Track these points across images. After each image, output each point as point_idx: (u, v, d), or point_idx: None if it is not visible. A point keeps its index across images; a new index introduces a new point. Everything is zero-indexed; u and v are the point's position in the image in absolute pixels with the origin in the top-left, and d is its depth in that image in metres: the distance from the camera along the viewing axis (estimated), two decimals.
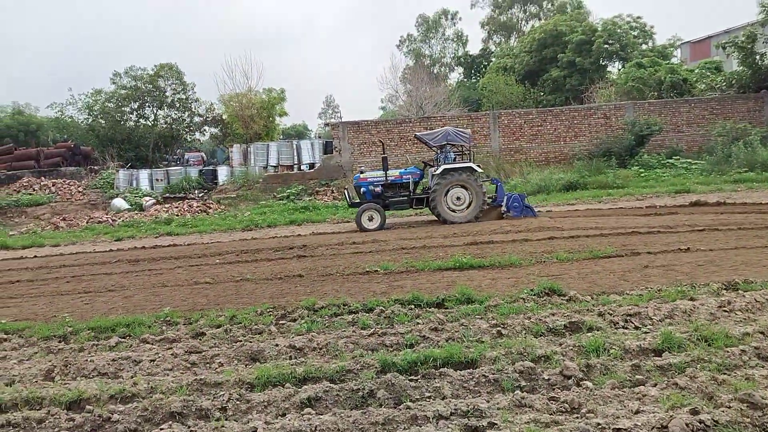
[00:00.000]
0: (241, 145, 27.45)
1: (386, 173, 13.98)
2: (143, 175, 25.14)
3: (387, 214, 14.26)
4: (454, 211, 13.37)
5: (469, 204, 13.37)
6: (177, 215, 20.14)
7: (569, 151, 23.53)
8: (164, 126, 33.09)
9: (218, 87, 65.27)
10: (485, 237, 10.66)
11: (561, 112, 24.04)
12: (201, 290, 7.89)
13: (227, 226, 16.71)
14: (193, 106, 33.58)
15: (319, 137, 40.75)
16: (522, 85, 37.21)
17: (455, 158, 14.28)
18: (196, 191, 24.40)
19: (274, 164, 26.06)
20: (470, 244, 10.00)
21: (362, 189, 14.05)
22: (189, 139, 35.37)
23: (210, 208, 21.36)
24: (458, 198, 13.34)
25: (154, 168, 27.15)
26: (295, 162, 26.23)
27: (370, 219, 13.44)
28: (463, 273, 7.70)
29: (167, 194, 23.94)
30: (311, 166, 25.35)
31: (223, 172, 25.82)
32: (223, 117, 33.61)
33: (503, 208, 13.55)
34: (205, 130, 35.93)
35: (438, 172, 13.45)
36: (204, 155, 33.13)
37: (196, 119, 34.13)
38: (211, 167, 27.49)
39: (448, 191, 13.36)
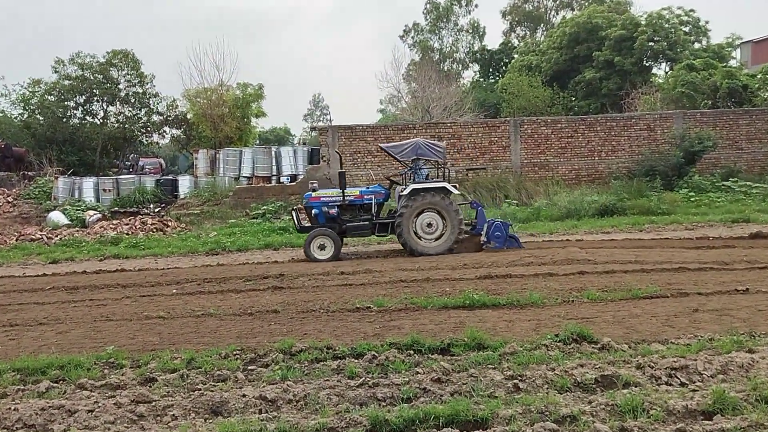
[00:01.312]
0: (208, 151, 27.60)
1: (344, 192, 14.08)
2: (88, 184, 25.17)
3: (345, 242, 14.45)
4: (424, 239, 13.49)
5: (443, 232, 13.50)
6: (127, 234, 20.13)
7: (605, 169, 23.75)
8: (116, 125, 33.28)
9: (183, 80, 65.75)
10: (501, 269, 10.69)
11: (596, 122, 24.31)
12: (153, 326, 7.86)
13: (188, 249, 16.71)
14: (151, 103, 33.86)
15: (304, 144, 41.03)
16: (549, 88, 37.66)
17: (428, 176, 14.44)
18: (152, 205, 24.45)
19: (248, 175, 26.18)
20: (483, 277, 10.02)
21: (314, 210, 14.11)
22: (145, 142, 35.54)
23: (168, 226, 21.37)
24: (429, 224, 13.45)
25: (102, 176, 27.18)
26: (274, 173, 26.37)
27: (322, 247, 13.55)
28: (473, 312, 7.71)
29: (116, 208, 23.97)
30: (293, 178, 25.49)
31: (185, 183, 25.92)
32: (188, 116, 33.84)
33: (483, 238, 13.69)
34: (165, 131, 36.14)
35: (406, 192, 13.57)
36: (163, 162, 33.20)
37: (155, 118, 34.35)
38: (170, 177, 27.56)
39: (417, 216, 13.50)
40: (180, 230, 21.09)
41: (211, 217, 22.45)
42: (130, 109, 33.77)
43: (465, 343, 6.26)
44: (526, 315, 7.51)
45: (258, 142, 48.23)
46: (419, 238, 13.47)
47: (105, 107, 33.09)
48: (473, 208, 14.52)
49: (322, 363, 5.99)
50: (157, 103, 34.37)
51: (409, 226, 13.38)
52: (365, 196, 14.14)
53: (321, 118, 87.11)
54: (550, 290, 8.73)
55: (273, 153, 26.75)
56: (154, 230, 20.87)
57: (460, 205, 14.57)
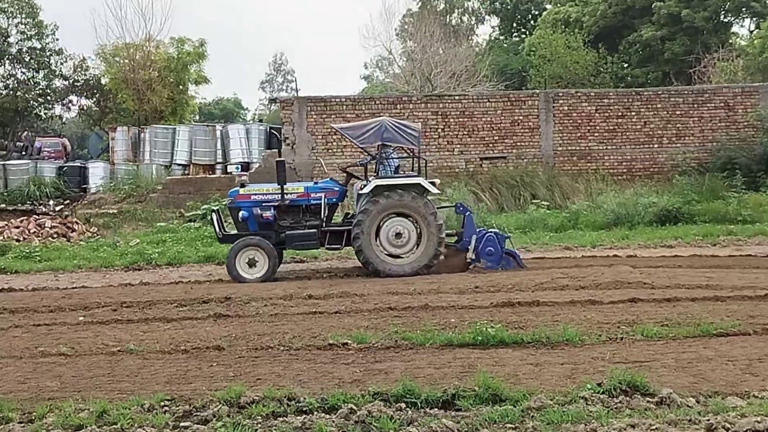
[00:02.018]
0: (129, 129, 27.56)
1: (283, 188, 14.07)
2: None
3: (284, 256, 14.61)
4: (392, 255, 13.56)
5: (416, 244, 13.56)
6: (17, 240, 20.03)
7: (667, 160, 23.91)
8: (3, 92, 33.10)
9: (97, 33, 65.45)
10: (526, 294, 10.70)
11: (655, 96, 24.48)
12: (52, 366, 7.80)
13: (101, 262, 16.65)
14: (52, 62, 33.76)
15: (260, 121, 41.05)
16: (593, 51, 37.84)
17: (398, 168, 14.46)
18: (52, 202, 24.36)
19: (184, 162, 26.16)
20: (501, 304, 10.04)
21: (241, 213, 14.07)
22: (44, 116, 35.42)
23: (74, 230, 21.29)
24: (398, 234, 13.53)
25: None
26: (219, 160, 26.33)
27: (251, 263, 13.57)
28: (487, 352, 7.70)
29: (3, 205, 23.82)
30: (245, 167, 25.49)
31: (97, 172, 25.86)
32: (102, 81, 33.75)
33: (470, 255, 13.73)
34: (71, 101, 36.06)
35: (367, 189, 13.61)
36: (67, 143, 33.11)
37: (58, 83, 34.31)
38: (78, 163, 27.48)
39: (382, 222, 13.55)
40: (90, 236, 21.01)
41: (133, 218, 22.38)
42: (23, 70, 33.67)
43: (475, 393, 6.25)
44: (559, 357, 7.52)
45: (198, 117, 48.12)
46: (385, 253, 13.53)
47: None
48: (459, 213, 14.61)
49: (281, 419, 5.96)
50: (61, 63, 34.34)
51: (371, 237, 13.42)
52: (312, 195, 14.16)
53: (284, 87, 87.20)
54: (591, 323, 8.74)
55: (218, 133, 26.74)
56: (55, 236, 20.78)
57: (440, 208, 14.66)
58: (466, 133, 23.76)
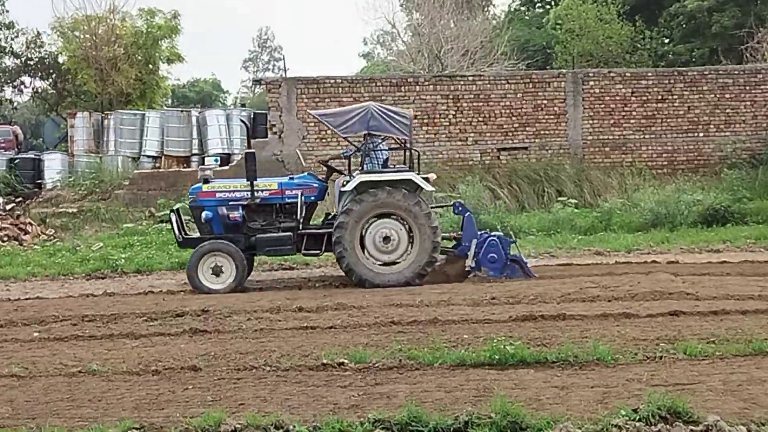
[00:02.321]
0: (91, 115, 27.57)
1: (253, 184, 14.09)
2: None
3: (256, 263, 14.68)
4: (379, 262, 13.62)
5: (407, 250, 13.61)
6: None
7: (714, 151, 23.91)
8: None
9: (53, 4, 65.74)
10: (550, 306, 10.71)
11: (701, 77, 24.49)
12: (2, 390, 7.79)
13: (59, 269, 16.68)
14: (1, 38, 33.76)
15: (243, 106, 41.10)
16: (630, 24, 37.80)
17: (386, 161, 14.51)
18: (1, 200, 24.34)
19: (154, 153, 26.17)
20: (522, 318, 10.06)
21: (205, 213, 14.08)
22: None
23: (27, 232, 21.28)
24: (387, 238, 13.56)
25: None
26: (196, 150, 26.33)
27: (216, 271, 13.60)
28: (505, 373, 7.71)
29: None
30: (225, 159, 25.48)
31: (54, 165, 25.87)
32: (60, 60, 33.75)
33: (469, 262, 13.77)
34: (23, 83, 36.03)
35: (350, 186, 13.63)
36: (19, 131, 33.14)
37: (7, 62, 34.30)
38: (31, 155, 27.49)
39: (367, 225, 13.59)
40: (46, 239, 21.01)
41: (96, 219, 22.40)
42: None
43: (492, 421, 6.25)
44: (588, 378, 7.52)
45: (171, 102, 48.10)
46: (372, 260, 13.58)
47: None
48: (457, 214, 14.67)
49: None
50: (11, 39, 34.32)
51: (355, 241, 13.43)
52: (287, 192, 14.17)
53: (270, 67, 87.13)
54: (625, 340, 8.74)
55: (194, 120, 26.74)
56: (5, 239, 20.78)
57: (436, 208, 14.78)
58: (481, 119, 23.80)
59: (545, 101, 24.03)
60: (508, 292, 11.85)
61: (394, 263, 13.62)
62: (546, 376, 7.61)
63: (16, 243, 20.47)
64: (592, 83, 24.18)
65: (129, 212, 22.42)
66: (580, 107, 24.01)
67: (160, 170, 25.06)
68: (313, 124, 23.39)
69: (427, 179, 13.93)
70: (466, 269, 13.74)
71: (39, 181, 25.66)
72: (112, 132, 26.42)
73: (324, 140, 23.37)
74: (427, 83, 24.02)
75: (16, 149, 30.14)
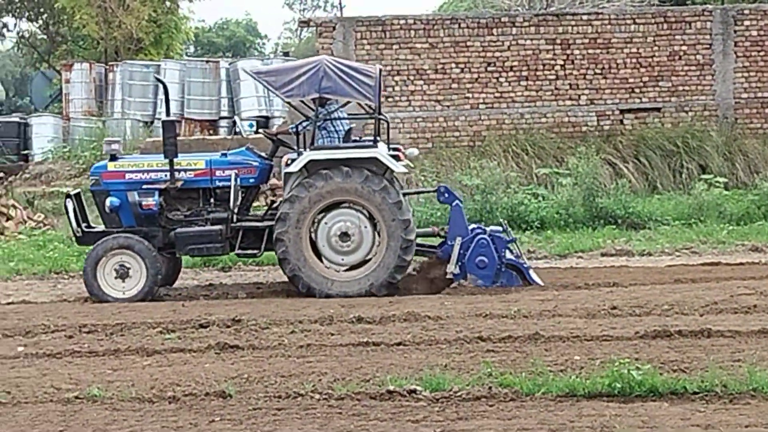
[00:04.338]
0: (92, 67, 27.83)
1: (172, 163, 14.00)
2: None
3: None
4: (333, 265, 13.68)
5: (371, 250, 13.63)
6: None
7: None
8: None
9: None
10: (690, 319, 10.64)
11: None
12: None
13: (51, 265, 16.92)
14: None
15: (286, 55, 41.20)
16: None
17: (348, 132, 14.51)
18: None
19: (173, 117, 26.31)
20: (652, 335, 9.98)
21: (110, 200, 14.03)
22: None
23: (10, 217, 21.56)
24: (344, 235, 13.58)
25: None
26: (224, 111, 26.45)
27: (121, 274, 13.57)
28: (630, 407, 7.64)
29: None
30: (262, 122, 25.56)
31: (44, 131, 26.20)
32: None
33: (451, 267, 13.71)
34: (5, 26, 36.56)
35: (295, 167, 13.55)
36: (0, 88, 33.68)
37: None
38: (15, 118, 27.87)
39: (320, 216, 13.63)
40: (34, 226, 21.27)
41: None
42: None
43: None
44: (742, 415, 7.41)
45: (193, 50, 48.49)
46: (327, 263, 13.63)
47: None
48: (443, 203, 14.85)
49: None
50: None
51: (302, 238, 13.43)
52: (217, 173, 14.12)
53: (320, 4, 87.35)
54: None
55: (223, 73, 26.88)
56: None
57: (409, 195, 14.87)
58: (599, 72, 23.62)
59: (684, 47, 23.78)
60: (634, 300, 11.79)
61: (354, 267, 13.66)
62: (684, 412, 7.52)
63: None
64: (747, 23, 23.89)
65: None
66: (732, 55, 23.71)
67: (180, 138, 25.26)
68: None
69: (396, 156, 13.83)
70: (448, 276, 13.71)
71: (25, 151, 25.98)
72: (118, 89, 26.68)
73: (391, 99, 23.36)
74: (527, 24, 23.86)
75: None
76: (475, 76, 23.50)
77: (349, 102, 14.67)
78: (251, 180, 14.25)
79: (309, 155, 13.46)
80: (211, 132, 26.02)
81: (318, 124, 14.01)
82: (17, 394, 8.62)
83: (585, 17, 24.37)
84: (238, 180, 13.98)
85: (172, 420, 7.72)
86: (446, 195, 14.42)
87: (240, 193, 14.07)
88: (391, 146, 14.18)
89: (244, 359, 9.71)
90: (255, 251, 14.07)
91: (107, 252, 13.53)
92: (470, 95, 23.36)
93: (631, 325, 10.43)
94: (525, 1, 32.95)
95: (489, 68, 23.53)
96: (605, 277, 14.10)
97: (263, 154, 14.52)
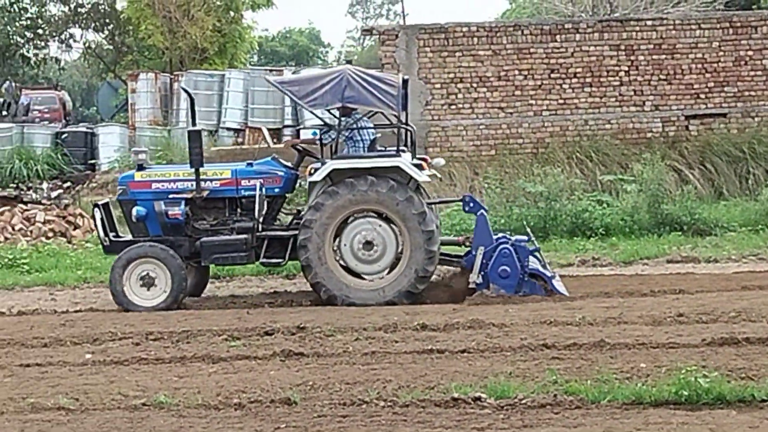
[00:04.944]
0: (157, 77, 28.02)
1: (198, 173, 14.03)
2: None
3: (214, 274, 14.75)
4: (358, 274, 13.64)
5: (398, 258, 13.60)
6: None
7: None
8: None
9: None
10: (759, 326, 10.53)
11: None
12: (47, 427, 7.94)
13: None
14: None
15: (348, 63, 41.21)
16: None
17: (373, 142, 14.49)
18: (46, 185, 24.91)
19: (236, 125, 26.48)
20: (720, 342, 9.90)
21: (137, 210, 14.12)
22: (33, 59, 36.33)
23: (77, 226, 21.70)
24: (368, 244, 13.60)
25: None
26: (288, 120, 26.53)
27: (146, 283, 13.60)
28: (697, 415, 7.57)
29: None
30: (324, 131, 25.59)
31: (111, 141, 26.37)
32: (119, 7, 34.44)
33: (473, 277, 13.64)
34: (72, 37, 36.86)
35: (319, 176, 13.53)
36: (68, 98, 33.94)
37: (54, 11, 35.15)
38: (82, 127, 28.05)
39: (343, 226, 13.63)
40: None
41: None
42: None
43: None
44: None
45: (257, 59, 48.69)
46: (350, 271, 13.61)
47: None
48: (469, 212, 14.77)
49: None
50: None
51: (326, 246, 13.42)
52: (242, 183, 14.16)
53: (383, 12, 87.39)
54: None
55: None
56: (51, 234, 21.22)
57: (436, 204, 14.68)
58: (663, 77, 23.47)
59: (750, 52, 23.59)
60: (701, 307, 11.70)
61: (377, 276, 13.66)
62: (753, 420, 7.44)
63: (64, 240, 20.87)
64: None
65: None
66: None
67: (244, 146, 25.37)
68: (439, 85, 23.41)
69: (419, 166, 13.74)
70: (470, 286, 13.65)
71: (92, 161, 26.14)
72: (183, 98, 26.78)
73: (454, 106, 23.38)
74: (590, 30, 23.77)
75: (64, 121, 30.84)
76: (539, 82, 23.46)
77: (376, 113, 14.64)
78: (276, 189, 14.30)
79: (332, 164, 13.51)
80: (275, 140, 26.08)
81: (345, 133, 14.18)
82: (85, 401, 8.68)
83: (649, 23, 24.24)
84: (263, 189, 14.00)
85: (238, 427, 7.75)
86: (471, 205, 14.42)
87: (265, 202, 14.07)
88: (418, 156, 14.19)
89: (308, 366, 9.74)
90: (279, 260, 14.16)
91: (132, 260, 13.63)
92: (533, 102, 23.33)
93: (698, 333, 10.36)
94: (588, 7, 32.82)
95: (552, 75, 23.48)
96: (671, 284, 13.95)
97: (289, 163, 14.62)
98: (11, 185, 24.59)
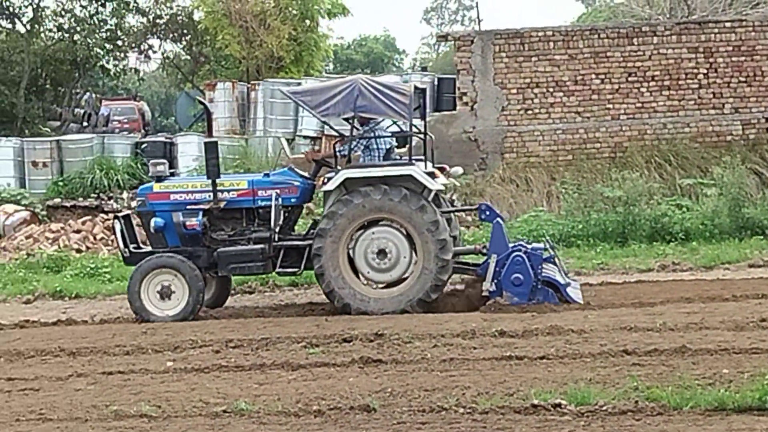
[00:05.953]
0: (235, 87, 28.18)
1: (215, 183, 14.16)
2: (2, 150, 26.15)
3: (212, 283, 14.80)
4: (370, 282, 13.66)
5: (408, 267, 13.53)
6: (78, 250, 20.71)
7: None
8: (56, 38, 34.51)
9: None
10: None
11: None
12: None
13: None
14: None
15: (424, 70, 41.22)
16: None
17: (389, 151, 14.52)
18: (126, 194, 25.09)
19: (313, 132, 26.53)
20: None
21: (155, 221, 14.26)
22: (113, 70, 36.69)
23: None
24: (382, 252, 13.57)
25: (30, 135, 28.10)
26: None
27: (164, 294, 13.69)
28: None
29: (57, 199, 24.81)
30: (402, 139, 25.54)
31: (189, 150, 26.49)
32: (196, 18, 34.71)
33: (487, 285, 13.56)
34: (150, 47, 37.20)
35: (332, 185, 13.54)
36: (147, 108, 34.24)
37: (132, 21, 35.50)
38: (161, 137, 28.28)
39: (358, 234, 13.61)
40: None
41: None
42: (83, 3, 34.82)
43: None
44: None
45: (333, 66, 48.86)
46: (364, 279, 13.62)
47: (37, 6, 34.27)
48: (484, 221, 14.78)
49: None
50: None
51: (339, 254, 13.43)
52: (259, 193, 14.24)
53: (458, 18, 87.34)
54: None
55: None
56: None
57: (449, 213, 14.60)
58: (743, 80, 23.21)
59: None
60: None
61: (391, 285, 13.69)
62: None
63: None
64: None
65: None
66: None
67: (321, 154, 25.41)
68: (515, 90, 23.34)
69: (432, 174, 13.71)
70: (483, 294, 13.62)
71: (171, 170, 26.34)
72: (260, 107, 26.89)
73: (530, 112, 23.29)
74: (668, 33, 23.56)
75: (143, 131, 31.14)
76: (616, 86, 23.31)
77: (395, 122, 14.74)
78: (293, 200, 14.42)
79: (345, 173, 13.59)
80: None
81: (362, 142, 14.31)
82: (167, 408, 8.79)
83: (728, 24, 23.97)
84: (280, 200, 14.11)
85: None
86: (487, 213, 14.52)
87: (282, 212, 14.18)
88: (436, 165, 14.21)
89: (387, 373, 9.77)
90: (295, 269, 14.27)
91: (150, 271, 13.77)
92: (611, 106, 23.19)
93: None
94: (666, 10, 32.54)
95: (630, 78, 23.32)
96: (753, 288, 13.80)
97: (305, 174, 14.69)
98: (92, 195, 24.78)
